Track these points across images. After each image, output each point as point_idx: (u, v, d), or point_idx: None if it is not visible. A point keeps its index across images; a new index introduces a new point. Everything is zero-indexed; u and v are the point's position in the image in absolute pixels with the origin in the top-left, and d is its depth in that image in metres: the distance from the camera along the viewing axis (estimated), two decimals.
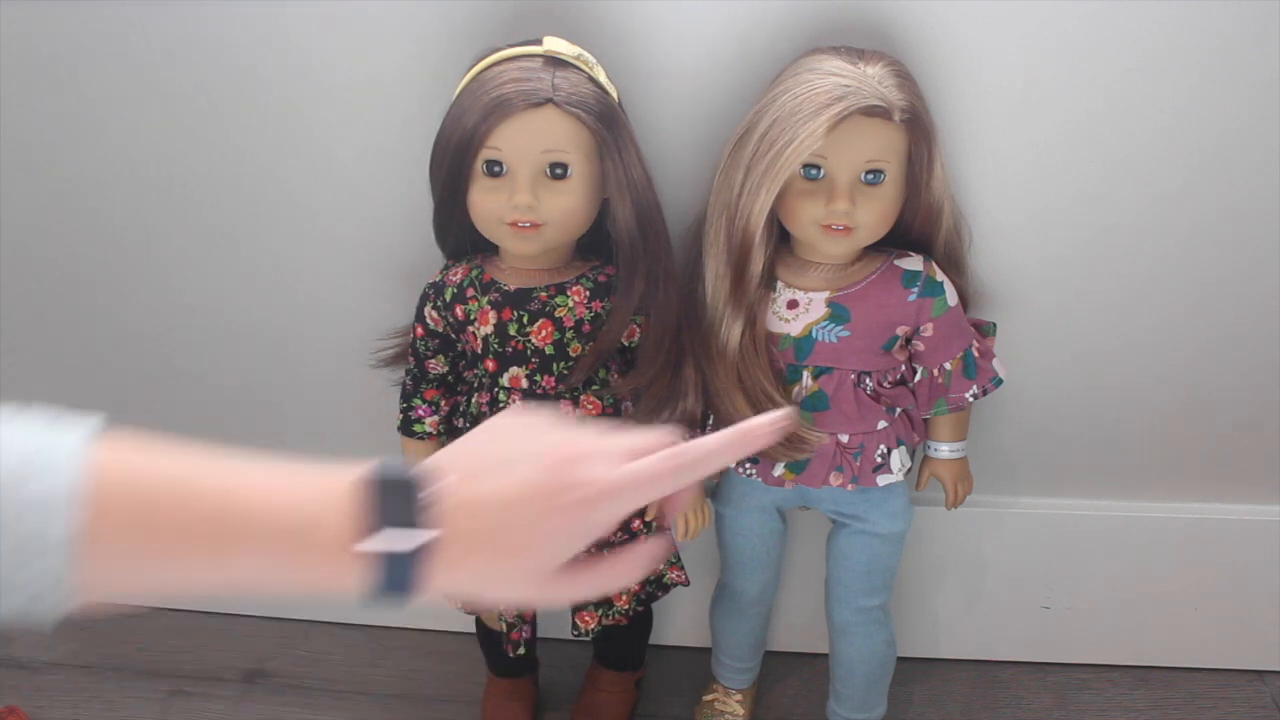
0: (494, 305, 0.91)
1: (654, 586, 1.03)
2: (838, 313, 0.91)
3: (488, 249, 0.94)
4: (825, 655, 1.09)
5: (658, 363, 0.91)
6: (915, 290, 0.91)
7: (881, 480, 0.95)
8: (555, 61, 0.84)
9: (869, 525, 0.99)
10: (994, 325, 0.99)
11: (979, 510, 1.12)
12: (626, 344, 0.94)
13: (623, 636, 1.11)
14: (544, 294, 0.90)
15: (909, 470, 0.98)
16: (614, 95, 0.87)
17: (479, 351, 0.92)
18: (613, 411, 0.94)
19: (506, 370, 0.91)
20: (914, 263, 0.92)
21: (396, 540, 0.44)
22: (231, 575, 0.44)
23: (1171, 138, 0.95)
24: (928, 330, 0.93)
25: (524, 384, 0.91)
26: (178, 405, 1.17)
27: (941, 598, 1.21)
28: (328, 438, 1.15)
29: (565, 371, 0.91)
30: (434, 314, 0.94)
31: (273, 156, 1.03)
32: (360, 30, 0.96)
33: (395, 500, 0.45)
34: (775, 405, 0.90)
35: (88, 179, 1.07)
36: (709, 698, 1.15)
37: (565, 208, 0.85)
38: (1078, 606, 1.20)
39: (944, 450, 1.00)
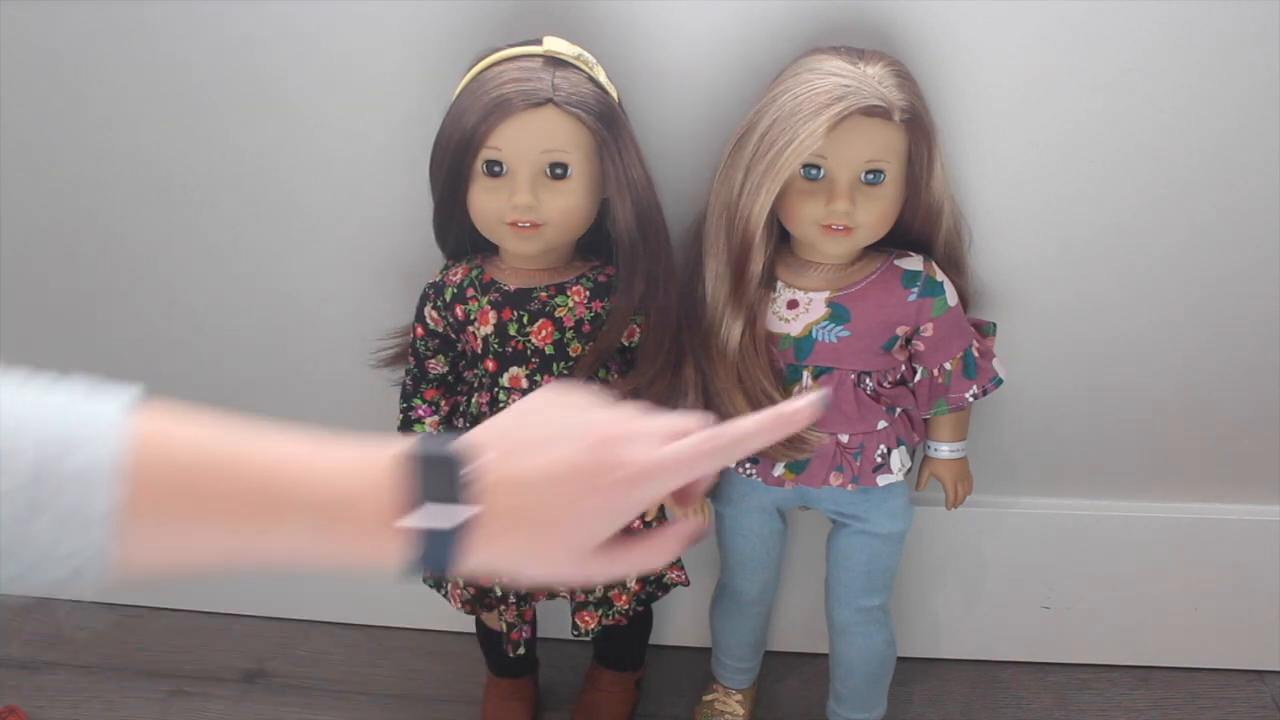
0: (494, 305, 0.91)
1: (654, 586, 1.03)
2: (838, 313, 0.91)
3: (488, 249, 0.94)
4: (825, 655, 1.09)
5: (658, 363, 0.91)
6: (915, 290, 0.91)
7: (881, 480, 0.95)
8: (555, 61, 0.84)
9: (869, 525, 0.99)
10: (994, 325, 0.99)
11: (979, 510, 1.12)
12: (626, 344, 0.94)
13: (623, 636, 1.11)
14: (544, 294, 0.90)
15: (909, 470, 0.98)
16: (614, 95, 0.87)
17: (479, 351, 0.92)
18: None
19: (506, 370, 0.91)
20: (914, 263, 0.92)
21: (437, 516, 0.44)
22: (270, 548, 0.44)
23: (1171, 137, 0.95)
24: (928, 330, 0.93)
25: (524, 384, 0.91)
26: (178, 404, 1.17)
27: (941, 598, 1.21)
28: None
29: (565, 371, 0.91)
30: (434, 314, 0.94)
31: (272, 156, 1.03)
32: (360, 30, 0.96)
33: (436, 476, 0.45)
34: (774, 404, 0.89)
35: (86, 178, 1.07)
36: (709, 698, 1.15)
37: (565, 208, 0.85)
38: (1078, 606, 1.20)
39: (944, 450, 1.00)
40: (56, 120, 1.04)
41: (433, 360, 0.96)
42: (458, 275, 0.93)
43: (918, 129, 0.85)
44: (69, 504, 0.39)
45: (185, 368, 1.16)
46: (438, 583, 1.05)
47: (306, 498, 0.44)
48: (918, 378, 0.95)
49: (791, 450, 0.92)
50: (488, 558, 0.46)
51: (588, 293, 0.91)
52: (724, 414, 0.92)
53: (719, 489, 1.04)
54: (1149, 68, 0.92)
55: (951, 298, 0.93)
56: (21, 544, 0.39)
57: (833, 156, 0.84)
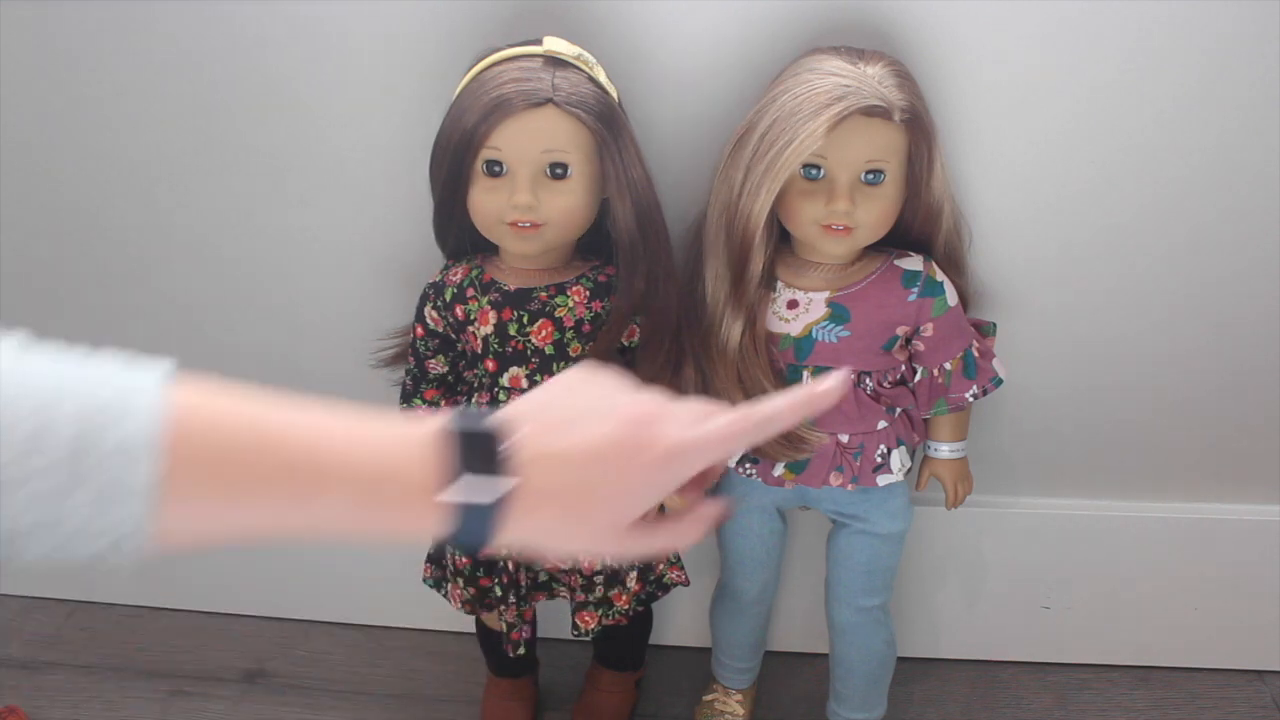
0: (494, 305, 0.91)
1: (654, 586, 1.03)
2: (838, 313, 0.91)
3: (488, 249, 0.94)
4: (825, 655, 1.09)
5: (657, 363, 0.91)
6: (915, 290, 0.91)
7: (881, 480, 0.95)
8: (555, 61, 0.84)
9: (869, 525, 0.99)
10: (994, 325, 0.99)
11: (979, 510, 1.12)
12: (626, 344, 0.93)
13: (623, 636, 1.11)
14: (544, 294, 0.90)
15: (909, 470, 0.98)
16: (614, 95, 0.87)
17: (479, 351, 0.92)
18: None
19: (506, 370, 0.91)
20: (914, 263, 0.92)
21: (477, 490, 0.45)
22: (309, 520, 0.44)
23: (1171, 137, 0.95)
24: (928, 330, 0.93)
25: (524, 384, 0.91)
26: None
27: (941, 598, 1.21)
28: None
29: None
30: (434, 314, 0.94)
31: (272, 156, 1.03)
32: (360, 31, 0.96)
33: (474, 450, 0.45)
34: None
35: (88, 178, 1.07)
36: (709, 698, 1.15)
37: (565, 208, 0.85)
38: (1078, 606, 1.20)
39: (944, 450, 1.00)
40: (57, 119, 1.04)
41: (433, 360, 0.96)
42: (458, 275, 0.93)
43: (918, 129, 0.85)
44: (110, 477, 0.38)
45: (185, 367, 1.15)
46: (438, 582, 1.05)
47: (347, 470, 0.44)
48: (918, 378, 0.95)
49: (792, 450, 0.92)
50: (523, 532, 0.47)
51: (588, 293, 0.91)
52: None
53: (719, 489, 1.04)
54: (1149, 68, 0.92)
55: (951, 298, 0.93)
56: (61, 517, 0.38)
57: (833, 156, 0.84)
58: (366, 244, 1.06)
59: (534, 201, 0.84)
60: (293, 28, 0.97)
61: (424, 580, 1.05)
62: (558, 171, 0.84)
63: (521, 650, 1.01)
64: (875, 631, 1.04)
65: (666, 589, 1.03)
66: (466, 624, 1.14)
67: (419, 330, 0.96)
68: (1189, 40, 0.91)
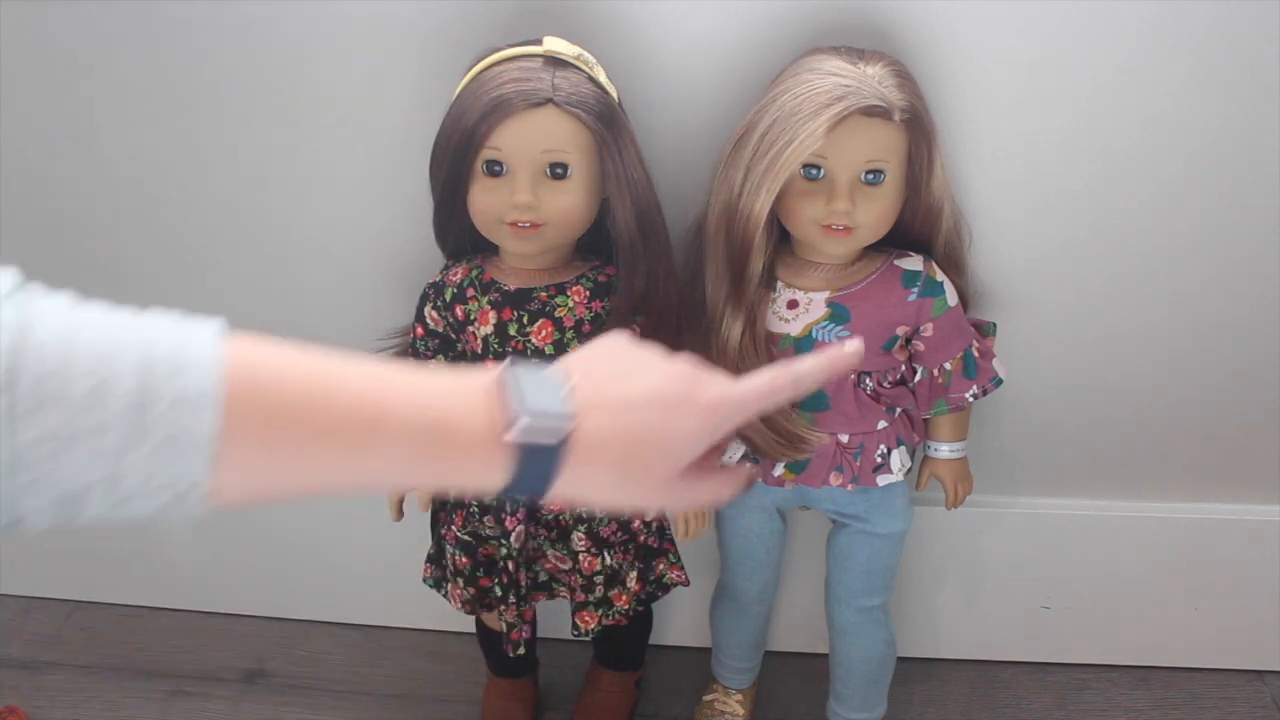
0: (494, 305, 0.91)
1: (654, 586, 1.03)
2: (838, 313, 0.91)
3: (488, 249, 0.94)
4: (825, 655, 1.09)
5: None
6: (915, 290, 0.91)
7: (881, 480, 0.95)
8: (555, 61, 0.84)
9: (869, 525, 0.99)
10: (994, 325, 0.99)
11: (979, 510, 1.12)
12: None
13: (623, 636, 1.11)
14: (544, 294, 0.90)
15: (909, 470, 0.98)
16: (614, 95, 0.87)
17: (479, 351, 0.92)
18: None
19: None
20: (914, 263, 0.92)
21: (539, 430, 0.45)
22: (367, 471, 0.44)
23: (1171, 137, 0.95)
24: (928, 330, 0.93)
25: None
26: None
27: (941, 598, 1.21)
28: None
29: None
30: (434, 314, 0.94)
31: (272, 156, 1.03)
32: (360, 31, 0.96)
33: (536, 391, 0.46)
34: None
35: (87, 179, 1.07)
36: (709, 698, 1.15)
37: (565, 207, 0.85)
38: (1078, 606, 1.20)
39: (944, 450, 1.00)
40: (56, 123, 1.04)
41: (433, 360, 0.96)
42: (458, 275, 0.93)
43: (918, 129, 0.85)
44: (172, 429, 0.38)
45: None
46: (438, 582, 1.05)
47: (406, 418, 0.44)
48: (918, 378, 0.95)
49: (792, 450, 0.92)
50: (577, 482, 0.47)
51: (588, 293, 0.91)
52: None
53: None
54: (1148, 68, 0.92)
55: (951, 298, 0.93)
56: (120, 473, 0.38)
57: (833, 156, 0.84)
58: (366, 244, 1.06)
59: (534, 201, 0.84)
60: (292, 27, 0.97)
61: (424, 580, 1.05)
62: (558, 171, 0.84)
63: (521, 650, 1.01)
64: (875, 631, 1.04)
65: (666, 589, 1.03)
66: (466, 624, 1.14)
67: (419, 330, 0.96)
68: (1188, 40, 0.91)
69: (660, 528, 1.02)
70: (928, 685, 1.21)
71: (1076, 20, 0.90)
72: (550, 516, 0.96)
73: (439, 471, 0.45)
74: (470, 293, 0.92)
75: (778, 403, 0.53)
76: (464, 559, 0.99)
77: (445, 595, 1.03)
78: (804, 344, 0.91)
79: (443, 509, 1.01)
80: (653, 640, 1.16)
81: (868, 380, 0.93)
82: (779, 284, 0.92)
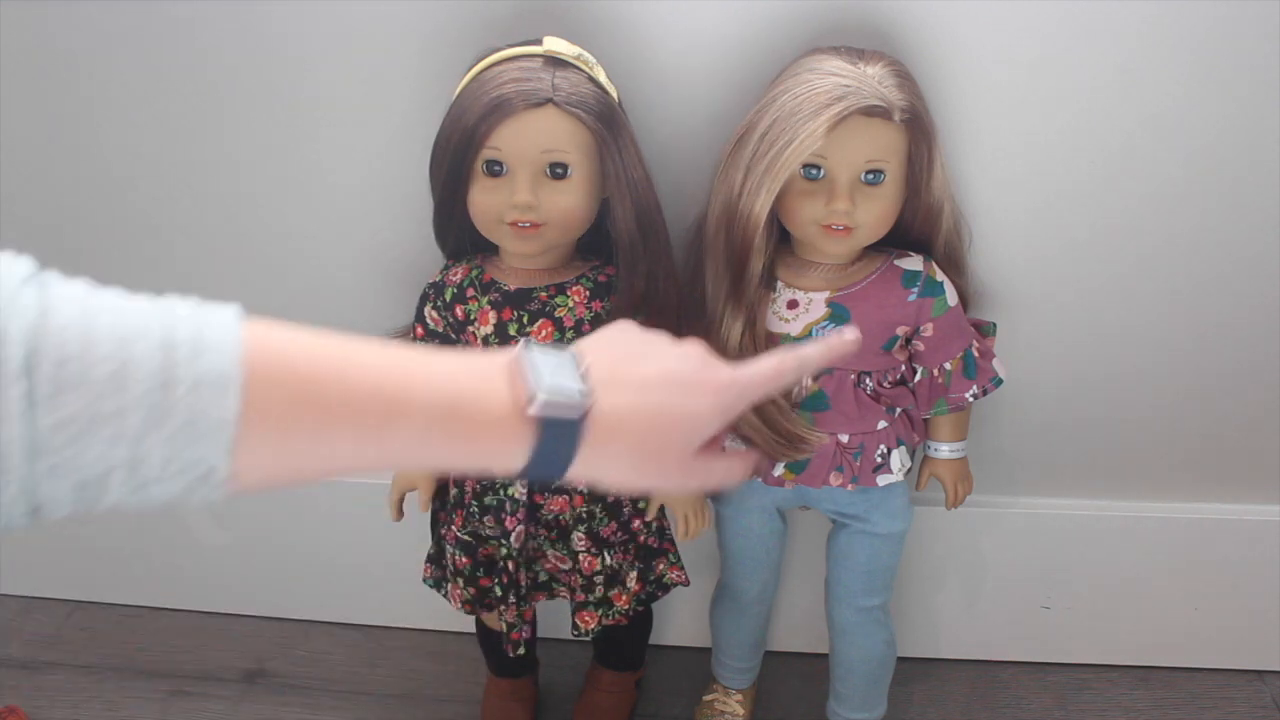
0: (494, 305, 0.91)
1: (654, 586, 1.03)
2: (838, 313, 0.91)
3: (488, 249, 0.94)
4: (825, 655, 1.09)
5: None
6: (915, 290, 0.91)
7: (881, 480, 0.95)
8: (555, 61, 0.84)
9: (869, 525, 0.99)
10: (994, 325, 0.99)
11: (979, 510, 1.12)
12: None
13: (623, 636, 1.11)
14: (544, 294, 0.90)
15: (909, 470, 0.98)
16: (614, 95, 0.87)
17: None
18: None
19: None
20: (914, 263, 0.92)
21: (560, 405, 0.45)
22: (386, 452, 0.44)
23: (1171, 136, 0.95)
24: (928, 330, 0.93)
25: None
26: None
27: (941, 598, 1.21)
28: None
29: None
30: (434, 314, 0.94)
31: (272, 156, 1.03)
32: (360, 31, 0.96)
33: (554, 366, 0.46)
34: (775, 405, 0.90)
35: (87, 179, 1.07)
36: (709, 698, 1.15)
37: (565, 207, 0.85)
38: (1078, 606, 1.20)
39: (944, 450, 1.00)
40: (56, 122, 1.04)
41: None
42: (458, 275, 0.93)
43: (918, 129, 0.85)
44: (193, 411, 0.38)
45: None
46: (438, 582, 1.05)
47: (426, 397, 0.44)
48: (918, 378, 0.95)
49: (792, 450, 0.92)
50: (597, 461, 0.47)
51: (588, 293, 0.91)
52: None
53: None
54: (1147, 67, 0.92)
55: (951, 298, 0.93)
56: (141, 456, 0.38)
57: (833, 156, 0.84)
58: (366, 244, 1.06)
59: (534, 201, 0.84)
60: (292, 27, 0.97)
61: (424, 580, 1.05)
62: (558, 171, 0.84)
63: (521, 650, 1.01)
64: (875, 631, 1.04)
65: (666, 589, 1.03)
66: (466, 624, 1.14)
67: (419, 330, 0.96)
68: (1188, 40, 0.91)
69: (660, 528, 1.02)
70: (928, 685, 1.21)
71: (1076, 20, 0.90)
72: (550, 516, 0.95)
73: (458, 452, 0.45)
74: (470, 293, 0.92)
75: (783, 386, 0.55)
76: (464, 559, 0.99)
77: (445, 595, 1.03)
78: (804, 344, 0.91)
79: (443, 509, 1.01)
80: (653, 640, 1.16)
81: (868, 380, 0.93)
82: (779, 284, 0.92)
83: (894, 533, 1.00)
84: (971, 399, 0.95)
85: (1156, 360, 1.06)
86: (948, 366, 0.94)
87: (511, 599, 0.98)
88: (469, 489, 0.96)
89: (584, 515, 0.95)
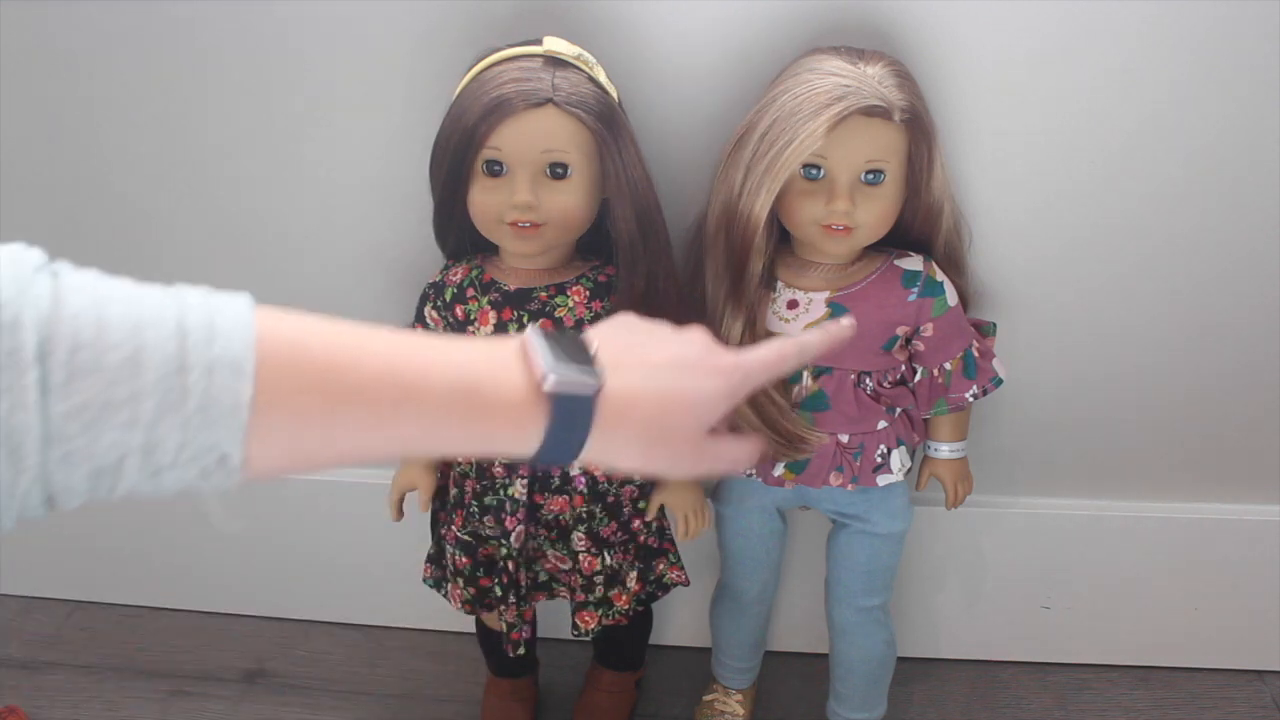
0: (494, 305, 0.91)
1: (654, 586, 1.03)
2: (838, 313, 0.91)
3: (488, 249, 0.94)
4: (825, 655, 1.09)
5: None
6: (915, 290, 0.91)
7: (881, 480, 0.95)
8: (555, 61, 0.84)
9: (869, 525, 0.99)
10: (994, 325, 0.99)
11: (979, 510, 1.12)
12: None
13: (623, 636, 1.11)
14: (544, 294, 0.90)
15: (909, 470, 0.98)
16: (614, 95, 0.87)
17: None
18: None
19: None
20: (914, 263, 0.92)
21: (573, 382, 0.46)
22: (400, 437, 0.44)
23: (1170, 136, 0.95)
24: (928, 330, 0.93)
25: None
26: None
27: (941, 598, 1.21)
28: None
29: None
30: (434, 314, 0.94)
31: (272, 156, 1.03)
32: (360, 31, 0.96)
33: (565, 347, 0.47)
34: (775, 405, 0.90)
35: (87, 179, 1.07)
36: (709, 698, 1.15)
37: (565, 207, 0.85)
38: (1078, 606, 1.20)
39: (944, 450, 1.00)
40: (56, 121, 1.04)
41: None
42: (458, 275, 0.93)
43: (918, 129, 0.85)
44: (207, 396, 0.38)
45: None
46: (438, 582, 1.05)
47: (439, 380, 0.44)
48: (918, 378, 0.95)
49: (792, 450, 0.92)
50: (610, 443, 0.48)
51: (588, 293, 0.91)
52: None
53: (719, 489, 1.04)
54: (1147, 67, 0.92)
55: (951, 298, 0.93)
56: (155, 442, 0.38)
57: (833, 156, 0.84)
58: (366, 244, 1.06)
59: (534, 201, 0.84)
60: (292, 27, 0.97)
61: (424, 580, 1.05)
62: (558, 171, 0.84)
63: (521, 650, 1.01)
64: (875, 631, 1.04)
65: (666, 589, 1.03)
66: (466, 624, 1.14)
67: (418, 330, 0.96)
68: (1188, 40, 0.91)
69: (660, 528, 1.02)
70: (928, 685, 1.21)
71: (1076, 20, 0.90)
72: (550, 516, 0.95)
73: (472, 435, 0.45)
74: (470, 293, 0.92)
75: (785, 373, 0.55)
76: (464, 559, 0.99)
77: (445, 595, 1.03)
78: None
79: (443, 509, 1.01)
80: (653, 640, 1.16)
81: (868, 380, 0.93)
82: (779, 284, 0.92)
83: (894, 533, 1.00)
84: (971, 399, 0.95)
85: (1156, 360, 1.06)
86: (948, 366, 0.94)
87: (511, 599, 0.98)
88: (469, 489, 0.96)
89: (584, 515, 0.95)
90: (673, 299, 0.91)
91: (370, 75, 0.98)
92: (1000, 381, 0.96)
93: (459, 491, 0.97)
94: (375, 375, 0.43)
